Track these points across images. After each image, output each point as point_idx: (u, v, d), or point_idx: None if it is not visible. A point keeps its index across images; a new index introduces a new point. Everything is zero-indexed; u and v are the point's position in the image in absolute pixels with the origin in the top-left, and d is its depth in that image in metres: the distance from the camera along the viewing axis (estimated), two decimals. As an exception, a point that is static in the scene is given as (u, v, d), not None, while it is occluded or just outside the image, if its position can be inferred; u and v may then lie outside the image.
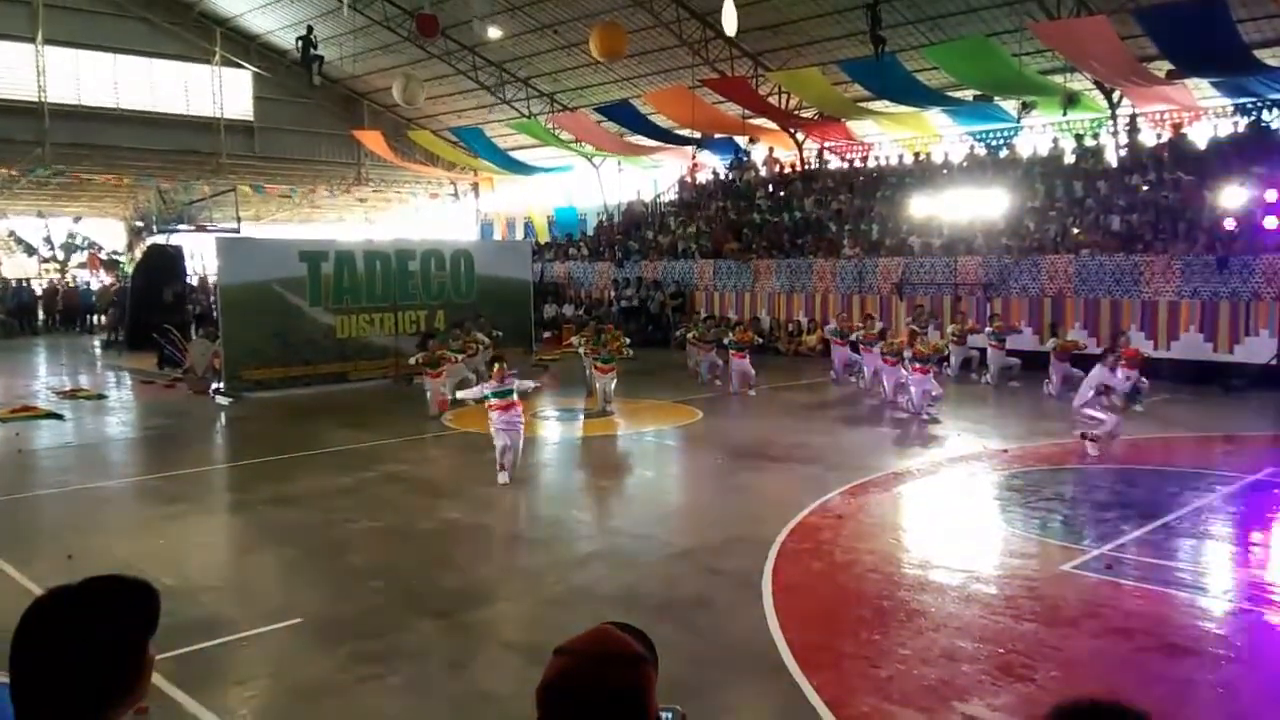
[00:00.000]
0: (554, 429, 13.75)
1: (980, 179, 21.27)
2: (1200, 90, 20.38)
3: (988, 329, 16.55)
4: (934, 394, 12.97)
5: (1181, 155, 19.27)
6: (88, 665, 1.51)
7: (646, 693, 1.50)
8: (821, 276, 21.44)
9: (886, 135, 26.13)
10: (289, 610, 6.19)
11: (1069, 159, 21.16)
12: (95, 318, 31.59)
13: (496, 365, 9.99)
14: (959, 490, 9.46)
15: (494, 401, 9.61)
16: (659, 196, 31.26)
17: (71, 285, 33.43)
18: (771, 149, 28.07)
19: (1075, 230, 18.53)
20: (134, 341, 22.31)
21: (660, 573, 6.97)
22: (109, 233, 34.94)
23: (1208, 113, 20.66)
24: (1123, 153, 20.64)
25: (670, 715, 1.59)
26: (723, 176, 28.83)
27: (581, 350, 15.61)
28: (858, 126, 26.28)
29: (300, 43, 24.54)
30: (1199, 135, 20.18)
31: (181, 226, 24.50)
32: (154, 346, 19.43)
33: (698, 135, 27.32)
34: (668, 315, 23.82)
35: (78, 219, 34.84)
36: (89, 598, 1.58)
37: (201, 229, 24.23)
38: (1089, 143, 21.44)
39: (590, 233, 31.17)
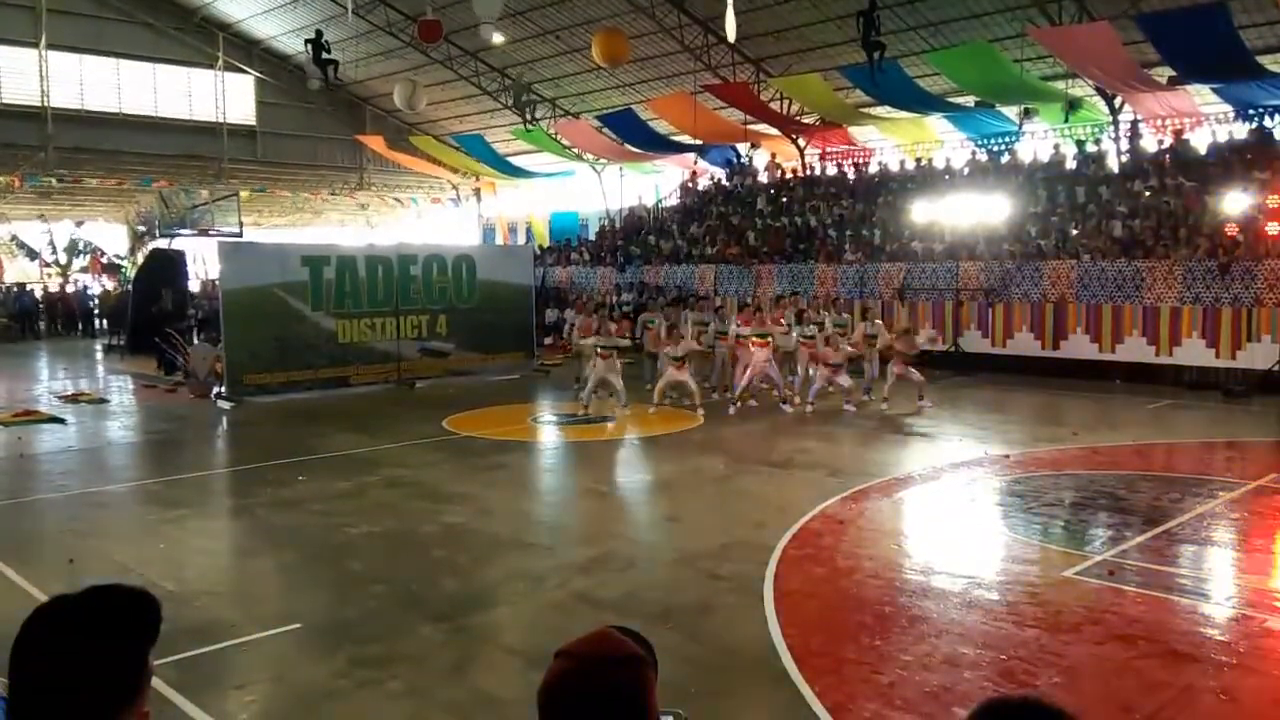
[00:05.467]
0: (555, 433, 13.75)
1: (982, 184, 21.25)
2: (1202, 96, 20.38)
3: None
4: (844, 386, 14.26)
5: (1183, 161, 19.26)
6: (88, 676, 1.50)
7: (647, 694, 1.50)
8: (823, 281, 21.43)
9: (888, 140, 26.13)
10: (289, 615, 6.19)
11: (1070, 164, 21.16)
12: (98, 322, 31.63)
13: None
14: (961, 495, 9.44)
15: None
16: (660, 201, 31.27)
17: (67, 290, 33.46)
18: (774, 154, 28.07)
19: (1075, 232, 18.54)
20: (136, 346, 22.34)
21: (661, 578, 6.96)
22: (111, 237, 35.01)
23: (1209, 118, 20.66)
24: (1124, 158, 20.63)
25: (672, 719, 1.58)
26: (724, 182, 28.84)
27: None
28: (859, 132, 26.31)
29: (309, 45, 24.44)
30: (1201, 141, 20.18)
31: (184, 231, 24.52)
32: (156, 351, 19.43)
33: (698, 143, 27.34)
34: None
35: (80, 223, 34.88)
36: (89, 607, 1.56)
37: (204, 233, 24.26)
38: (1090, 148, 21.44)
39: (592, 237, 31.19)
